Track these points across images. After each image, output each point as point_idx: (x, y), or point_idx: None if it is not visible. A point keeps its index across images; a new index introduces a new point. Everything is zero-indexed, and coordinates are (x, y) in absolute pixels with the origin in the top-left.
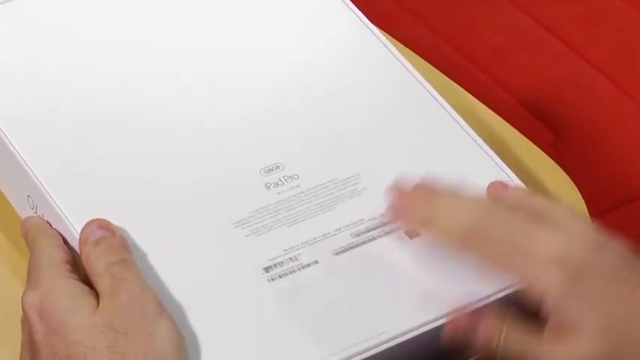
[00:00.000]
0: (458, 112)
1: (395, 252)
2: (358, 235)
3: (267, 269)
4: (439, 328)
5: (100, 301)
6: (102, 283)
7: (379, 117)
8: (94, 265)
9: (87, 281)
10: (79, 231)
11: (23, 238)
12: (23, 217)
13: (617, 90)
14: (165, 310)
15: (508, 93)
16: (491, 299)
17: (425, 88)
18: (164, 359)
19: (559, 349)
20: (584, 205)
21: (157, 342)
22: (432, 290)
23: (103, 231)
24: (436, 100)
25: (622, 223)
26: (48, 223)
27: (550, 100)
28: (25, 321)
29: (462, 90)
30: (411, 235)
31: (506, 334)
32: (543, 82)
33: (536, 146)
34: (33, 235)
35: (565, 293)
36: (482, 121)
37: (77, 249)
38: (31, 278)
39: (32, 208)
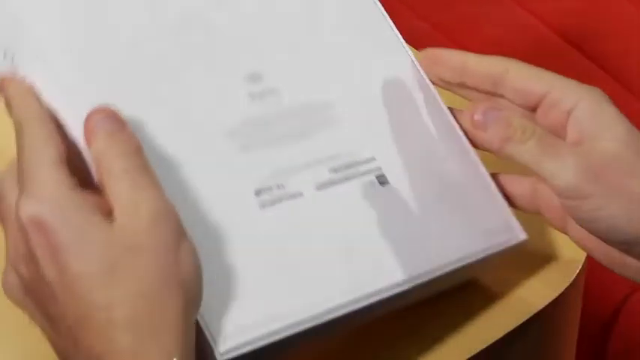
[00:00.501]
0: (455, 108)
1: (369, 198)
2: (336, 171)
3: (257, 193)
4: (417, 287)
5: (119, 213)
6: (120, 190)
7: (357, 49)
8: (109, 164)
9: (83, 180)
10: (70, 100)
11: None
12: None
13: (616, 84)
14: (186, 230)
15: None
16: (468, 258)
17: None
18: (186, 282)
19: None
20: None
21: (181, 264)
22: (410, 245)
23: (115, 123)
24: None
25: None
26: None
27: None
28: (16, 231)
29: None
30: (382, 181)
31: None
32: None
33: None
34: (19, 114)
35: (594, 108)
36: None
37: (65, 122)
38: (26, 182)
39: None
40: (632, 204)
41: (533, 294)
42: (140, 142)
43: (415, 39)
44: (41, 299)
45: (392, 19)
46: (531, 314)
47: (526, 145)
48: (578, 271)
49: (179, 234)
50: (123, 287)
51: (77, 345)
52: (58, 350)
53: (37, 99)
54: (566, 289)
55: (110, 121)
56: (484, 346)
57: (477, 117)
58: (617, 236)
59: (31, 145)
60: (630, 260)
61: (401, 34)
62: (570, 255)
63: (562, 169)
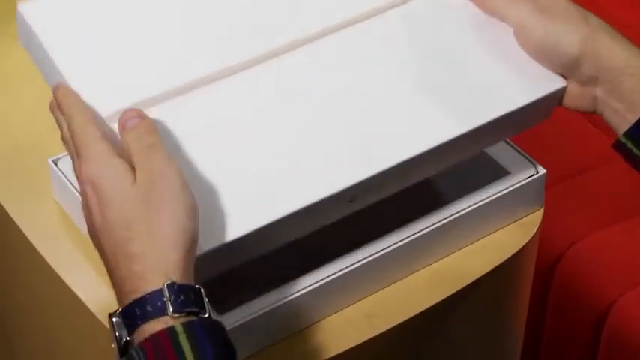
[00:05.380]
0: None
1: None
2: None
3: None
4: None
5: (137, 177)
6: (137, 162)
7: None
8: (131, 146)
9: (119, 153)
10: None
11: (55, 107)
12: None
13: None
14: (186, 183)
15: None
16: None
17: None
18: (183, 224)
19: None
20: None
21: (179, 210)
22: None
23: (137, 119)
24: None
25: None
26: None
27: None
28: (81, 189)
29: None
30: None
31: None
32: None
33: None
34: (68, 108)
35: None
36: None
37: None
38: (83, 153)
39: None
40: (566, 34)
41: (505, 243)
42: (153, 127)
43: None
44: (94, 238)
45: None
46: (503, 259)
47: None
48: (536, 227)
49: (179, 186)
50: (137, 231)
51: (111, 273)
52: (108, 272)
53: (76, 94)
54: (527, 241)
55: (132, 118)
56: (466, 283)
57: None
58: (558, 57)
59: (79, 128)
60: (584, 91)
61: None
62: (528, 219)
63: (518, 10)
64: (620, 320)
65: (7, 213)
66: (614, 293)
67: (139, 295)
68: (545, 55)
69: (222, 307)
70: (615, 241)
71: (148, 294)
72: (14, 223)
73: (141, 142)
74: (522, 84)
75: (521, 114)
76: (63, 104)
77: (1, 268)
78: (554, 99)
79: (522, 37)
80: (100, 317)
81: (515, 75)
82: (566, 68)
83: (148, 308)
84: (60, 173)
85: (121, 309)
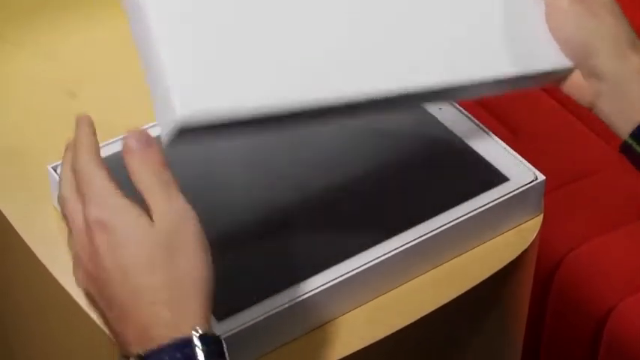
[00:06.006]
0: None
1: None
2: None
3: None
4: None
5: (156, 219)
6: (153, 202)
7: None
8: (146, 183)
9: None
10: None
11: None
12: None
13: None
14: (202, 228)
15: None
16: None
17: None
18: (204, 272)
19: None
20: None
21: (201, 260)
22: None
23: (143, 144)
24: None
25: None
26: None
27: (509, 101)
28: (83, 233)
29: None
30: None
31: None
32: None
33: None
34: (76, 141)
35: None
36: None
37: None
38: (89, 194)
39: None
40: (598, 24)
41: (504, 249)
42: (162, 156)
43: None
44: (100, 285)
45: None
46: (502, 265)
47: None
48: (535, 233)
49: (201, 235)
50: (162, 275)
51: (127, 318)
52: (111, 328)
53: (91, 127)
54: (527, 247)
55: (135, 142)
56: (466, 289)
57: None
58: (579, 47)
59: (84, 169)
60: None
61: None
62: (527, 225)
63: None
64: (620, 326)
65: (5, 218)
66: (614, 299)
67: (166, 342)
68: (560, 36)
69: (221, 313)
70: (615, 247)
71: (179, 341)
72: (13, 228)
73: (155, 178)
74: (530, 51)
75: (515, 80)
76: (75, 135)
77: (0, 273)
78: (554, 78)
79: (555, 20)
80: (97, 321)
81: (526, 40)
82: (579, 56)
83: (178, 356)
84: (59, 179)
85: (143, 354)
